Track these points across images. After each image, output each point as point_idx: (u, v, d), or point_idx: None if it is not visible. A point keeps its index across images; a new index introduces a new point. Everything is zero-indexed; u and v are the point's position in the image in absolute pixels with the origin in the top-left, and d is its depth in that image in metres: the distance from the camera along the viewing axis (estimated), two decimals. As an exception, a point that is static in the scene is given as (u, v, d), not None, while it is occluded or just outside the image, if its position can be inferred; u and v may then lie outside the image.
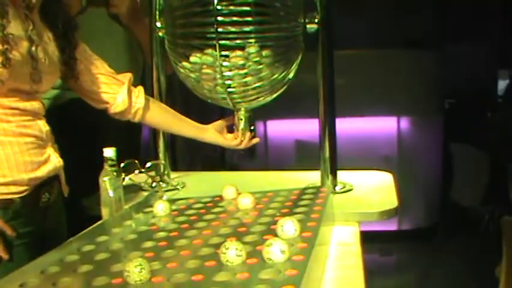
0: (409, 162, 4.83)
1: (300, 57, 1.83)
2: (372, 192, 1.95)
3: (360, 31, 5.04)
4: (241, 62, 1.73)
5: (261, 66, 1.75)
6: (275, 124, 5.01)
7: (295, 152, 5.01)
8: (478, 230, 4.79)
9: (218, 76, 1.74)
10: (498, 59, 6.09)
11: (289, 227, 1.19)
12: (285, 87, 1.86)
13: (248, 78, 1.76)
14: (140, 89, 1.85)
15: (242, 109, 1.91)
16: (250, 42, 1.72)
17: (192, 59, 1.78)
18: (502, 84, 6.29)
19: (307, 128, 4.62)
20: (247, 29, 1.69)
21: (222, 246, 1.06)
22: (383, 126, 4.97)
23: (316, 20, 1.81)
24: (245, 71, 1.74)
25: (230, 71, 1.74)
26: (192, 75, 1.81)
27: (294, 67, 1.83)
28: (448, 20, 5.48)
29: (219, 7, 1.65)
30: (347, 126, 4.06)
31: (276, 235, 1.19)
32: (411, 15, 5.18)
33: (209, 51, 1.73)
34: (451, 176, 5.19)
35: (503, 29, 5.82)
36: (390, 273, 4.39)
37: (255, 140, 1.99)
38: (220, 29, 1.66)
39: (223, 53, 1.70)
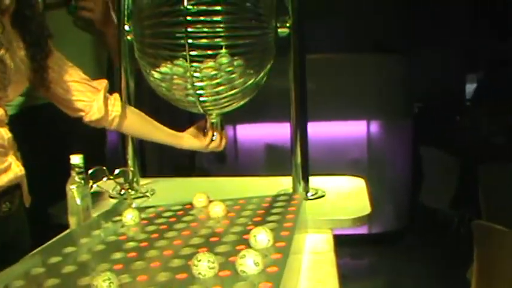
0: (379, 166, 4.84)
1: (272, 62, 1.81)
2: (345, 198, 1.93)
3: (329, 35, 5.04)
4: (213, 72, 1.70)
5: (233, 76, 1.72)
6: (245, 128, 4.99)
7: (266, 156, 4.99)
8: (448, 233, 4.82)
9: (189, 86, 1.71)
10: (466, 63, 6.15)
11: (262, 237, 1.15)
12: (256, 91, 1.83)
13: (220, 88, 1.72)
14: (116, 97, 1.81)
15: (214, 114, 1.88)
16: (222, 53, 1.69)
17: (163, 69, 1.74)
18: (469, 88, 6.37)
19: (277, 131, 4.62)
20: (218, 39, 1.66)
21: (194, 258, 1.03)
22: (352, 130, 4.98)
23: (287, 24, 1.78)
24: (217, 81, 1.71)
25: (201, 81, 1.71)
26: (163, 84, 1.77)
27: (266, 72, 1.80)
28: (417, 24, 5.52)
29: (189, 17, 1.61)
30: (316, 130, 4.04)
31: (249, 245, 1.16)
32: (380, 20, 5.20)
33: (179, 61, 1.69)
34: (421, 179, 5.21)
35: (471, 33, 5.87)
36: (361, 277, 4.39)
37: (225, 141, 1.98)
38: (190, 40, 1.63)
39: (194, 64, 1.67)
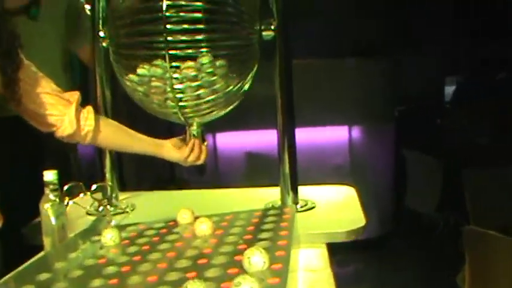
0: (362, 171, 4.78)
1: (256, 67, 1.71)
2: (336, 209, 1.84)
3: (310, 40, 4.98)
4: (193, 73, 1.59)
5: (214, 78, 1.62)
6: (225, 136, 4.89)
7: (247, 165, 4.90)
8: (434, 236, 4.78)
9: (168, 89, 1.60)
10: (445, 66, 6.15)
11: (257, 259, 1.04)
12: (240, 99, 1.73)
13: (201, 91, 1.62)
14: (89, 109, 1.68)
15: (194, 124, 1.77)
16: (203, 52, 1.59)
17: (140, 70, 1.63)
18: (448, 90, 6.38)
19: (258, 139, 4.53)
20: (199, 37, 1.56)
21: (183, 287, 0.92)
22: (334, 135, 4.92)
23: (272, 27, 1.69)
24: (198, 83, 1.61)
25: (181, 83, 1.60)
26: (140, 88, 1.66)
27: (250, 77, 1.71)
28: (397, 28, 5.50)
29: (168, 14, 1.51)
30: (298, 136, 3.98)
31: (242, 268, 1.05)
32: (360, 24, 5.16)
33: (158, 62, 1.59)
34: (404, 183, 5.17)
35: (450, 36, 5.87)
36: (348, 284, 4.30)
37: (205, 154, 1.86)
38: (169, 38, 1.52)
39: (174, 64, 1.56)
